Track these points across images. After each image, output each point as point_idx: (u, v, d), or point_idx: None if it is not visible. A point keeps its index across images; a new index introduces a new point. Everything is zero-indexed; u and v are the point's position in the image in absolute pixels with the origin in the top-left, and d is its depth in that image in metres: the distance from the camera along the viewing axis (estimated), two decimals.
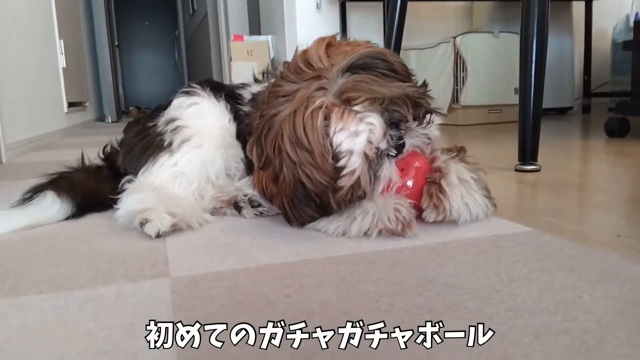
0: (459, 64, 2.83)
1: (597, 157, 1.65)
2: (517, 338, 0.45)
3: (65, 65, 3.48)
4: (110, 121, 5.01)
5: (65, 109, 3.43)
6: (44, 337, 0.49)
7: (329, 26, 3.12)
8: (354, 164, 0.72)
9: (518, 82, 1.35)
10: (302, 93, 0.74)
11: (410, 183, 0.79)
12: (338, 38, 0.84)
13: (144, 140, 1.00)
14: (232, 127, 1.00)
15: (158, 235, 0.80)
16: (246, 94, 1.01)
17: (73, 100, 3.67)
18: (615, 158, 1.58)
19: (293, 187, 0.75)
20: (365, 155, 0.72)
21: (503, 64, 2.82)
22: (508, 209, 0.92)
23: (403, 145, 0.77)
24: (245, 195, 0.92)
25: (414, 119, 0.77)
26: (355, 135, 0.71)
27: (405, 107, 0.74)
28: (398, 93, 0.74)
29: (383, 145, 0.74)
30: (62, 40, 3.46)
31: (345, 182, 0.73)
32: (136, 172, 0.97)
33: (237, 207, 0.93)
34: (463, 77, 2.81)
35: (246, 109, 0.98)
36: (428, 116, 0.78)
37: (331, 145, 0.72)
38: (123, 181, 0.96)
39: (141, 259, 0.71)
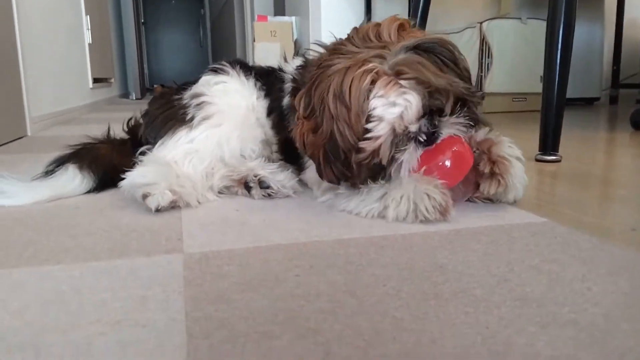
0: (484, 50, 2.78)
1: (621, 149, 1.62)
2: (522, 327, 0.46)
3: (91, 41, 3.52)
4: (134, 98, 5.06)
5: (90, 85, 3.48)
6: (60, 306, 0.51)
7: (353, 9, 3.09)
8: (380, 130, 0.73)
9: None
10: (361, 55, 0.76)
11: (448, 163, 0.78)
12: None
13: (166, 112, 1.02)
14: (260, 104, 1.02)
15: (157, 209, 0.83)
16: (290, 66, 1.02)
17: (98, 76, 3.72)
18: (639, 151, 1.55)
19: (328, 139, 0.77)
20: (393, 129, 0.74)
21: (529, 52, 2.77)
22: (525, 199, 0.91)
23: (436, 136, 0.77)
24: (256, 176, 0.93)
25: (452, 113, 0.77)
26: (392, 105, 0.72)
27: (446, 99, 0.75)
28: (445, 84, 0.74)
29: (413, 128, 0.75)
30: (88, 16, 3.50)
31: (367, 145, 0.74)
32: (155, 142, 0.99)
33: (247, 187, 0.94)
34: (488, 64, 2.77)
35: (291, 75, 0.98)
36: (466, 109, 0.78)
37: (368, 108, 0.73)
38: (138, 153, 0.98)
39: (156, 234, 0.73)
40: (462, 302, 0.50)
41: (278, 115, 0.99)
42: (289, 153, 0.98)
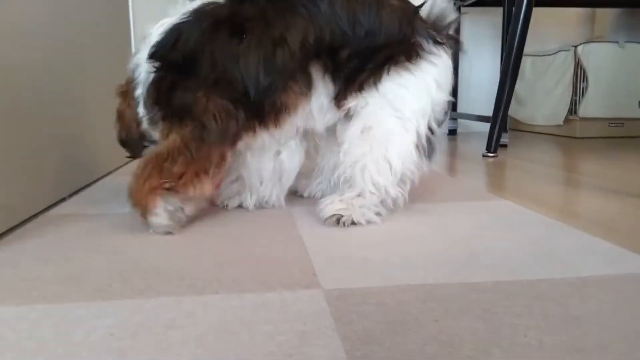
0: (579, 74, 2.71)
1: None
2: None
3: None
4: None
5: None
6: (231, 336, 0.57)
7: None
8: None
9: None
10: None
11: None
12: None
13: None
14: None
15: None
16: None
17: None
18: None
19: None
20: None
21: (628, 76, 2.67)
22: None
23: None
24: None
25: None
26: None
27: None
28: None
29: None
30: None
31: None
32: None
33: None
34: (583, 88, 2.69)
35: None
36: None
37: None
38: None
39: (289, 266, 0.79)
40: (605, 358, 0.52)
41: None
42: None
